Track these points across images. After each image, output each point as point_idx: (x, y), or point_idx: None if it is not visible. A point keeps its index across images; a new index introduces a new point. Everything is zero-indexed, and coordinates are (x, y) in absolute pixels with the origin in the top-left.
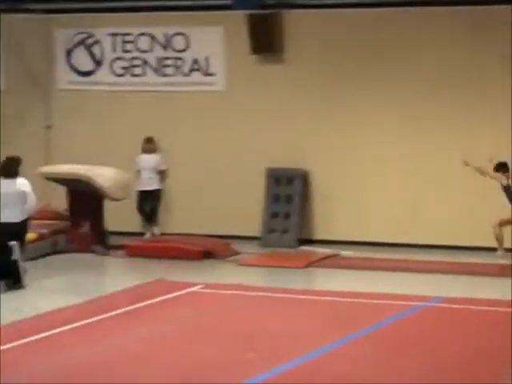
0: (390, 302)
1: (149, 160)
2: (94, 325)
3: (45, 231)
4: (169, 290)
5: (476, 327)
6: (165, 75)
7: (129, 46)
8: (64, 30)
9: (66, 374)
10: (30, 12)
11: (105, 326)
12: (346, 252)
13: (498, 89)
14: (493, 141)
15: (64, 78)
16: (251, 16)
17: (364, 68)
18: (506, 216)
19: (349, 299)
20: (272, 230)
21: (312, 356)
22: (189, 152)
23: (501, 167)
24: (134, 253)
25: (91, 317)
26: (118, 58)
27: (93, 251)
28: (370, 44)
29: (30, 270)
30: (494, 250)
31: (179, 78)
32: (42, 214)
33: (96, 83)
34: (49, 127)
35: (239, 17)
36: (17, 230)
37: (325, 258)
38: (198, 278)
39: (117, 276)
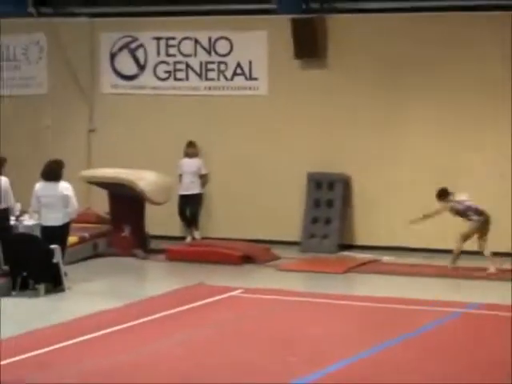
0: (428, 307)
1: (191, 164)
2: (135, 328)
3: (86, 235)
4: (209, 294)
5: None
6: (208, 79)
7: (172, 50)
8: (108, 34)
9: (106, 377)
10: (75, 16)
11: (145, 330)
12: (386, 258)
13: None
14: None
15: (108, 81)
16: (295, 20)
17: (406, 74)
18: (466, 229)
19: (388, 305)
20: (312, 235)
21: (351, 361)
22: (230, 156)
23: (443, 193)
24: (175, 257)
25: (131, 320)
26: (162, 62)
27: (133, 255)
28: (412, 50)
29: (70, 273)
30: None
31: (222, 83)
32: (84, 218)
33: (139, 87)
34: (92, 131)
35: (283, 21)
36: (58, 234)
37: (365, 263)
38: (238, 282)
39: (157, 280)
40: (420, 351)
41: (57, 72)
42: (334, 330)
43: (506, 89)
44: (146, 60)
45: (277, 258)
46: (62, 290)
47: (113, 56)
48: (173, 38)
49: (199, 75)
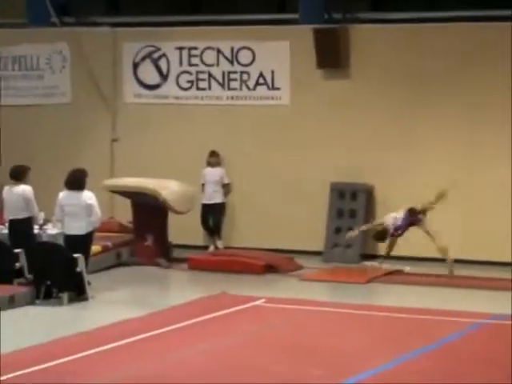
0: (451, 318)
1: (213, 173)
2: (158, 337)
3: (109, 244)
4: (231, 303)
5: None
6: (230, 89)
7: (195, 60)
8: (131, 44)
9: None
10: (98, 26)
11: (168, 339)
12: (409, 268)
13: None
14: None
15: (130, 91)
16: (317, 30)
17: (430, 86)
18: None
19: (410, 315)
20: (335, 245)
21: (374, 372)
22: (253, 166)
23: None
24: (197, 266)
25: (155, 329)
26: (184, 72)
27: (156, 264)
28: (436, 61)
29: (93, 282)
30: None
31: (244, 92)
32: (107, 227)
33: (162, 97)
34: (115, 140)
35: (305, 31)
36: (82, 243)
37: (387, 273)
38: (261, 292)
39: (180, 289)
40: (442, 362)
41: (80, 81)
42: (357, 340)
43: None
44: (168, 70)
45: (300, 267)
46: (86, 298)
47: (135, 65)
48: (195, 48)
49: (221, 85)
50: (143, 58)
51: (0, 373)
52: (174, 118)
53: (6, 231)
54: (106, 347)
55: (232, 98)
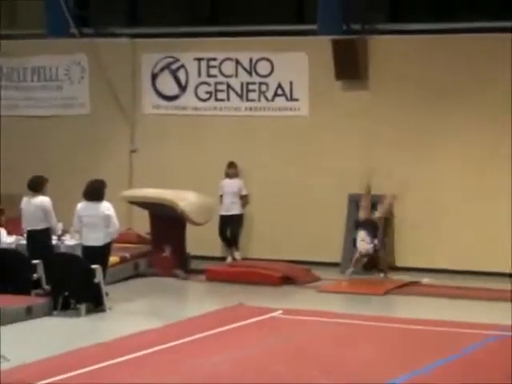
0: (468, 330)
1: (231, 185)
2: (176, 348)
3: (127, 255)
4: (249, 315)
5: None
6: (249, 100)
7: (213, 71)
8: (149, 55)
9: None
10: (116, 37)
11: (185, 351)
12: (427, 279)
13: None
14: None
15: (149, 102)
16: (335, 42)
17: (448, 97)
18: None
19: (427, 327)
20: (353, 257)
21: None
22: (271, 177)
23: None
24: (215, 277)
25: (172, 340)
26: (203, 83)
27: (174, 275)
28: (455, 72)
29: (111, 293)
30: None
31: (263, 103)
32: (125, 238)
33: (180, 108)
34: (134, 151)
35: (324, 42)
36: (100, 254)
37: (404, 285)
38: (278, 303)
39: (197, 300)
40: (459, 375)
41: (98, 92)
42: (374, 352)
43: None
44: (187, 81)
45: (317, 279)
46: (103, 309)
47: (154, 76)
48: (214, 59)
49: (240, 96)
50: (162, 69)
51: None
52: (193, 129)
53: (24, 242)
54: (123, 358)
55: (250, 108)
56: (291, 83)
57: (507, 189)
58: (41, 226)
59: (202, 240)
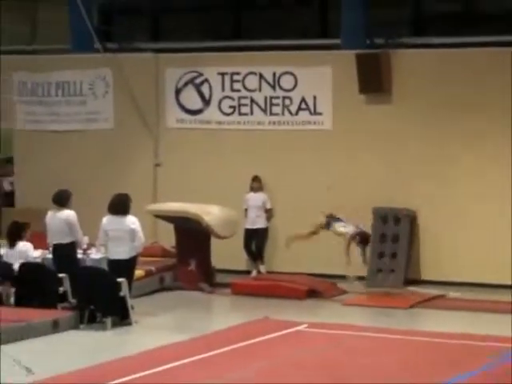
0: (494, 344)
1: (256, 198)
2: (201, 362)
3: (152, 268)
4: (274, 328)
5: None
6: (272, 114)
7: (237, 85)
8: (173, 69)
9: None
10: (140, 51)
11: (211, 364)
12: (452, 293)
13: None
14: None
15: (173, 116)
16: (359, 55)
17: (473, 111)
18: None
19: (453, 341)
20: (378, 270)
21: None
22: (294, 190)
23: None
24: (240, 291)
25: (198, 354)
26: (226, 97)
27: (199, 289)
28: (480, 86)
29: (137, 307)
30: None
31: (287, 117)
32: (150, 251)
33: (204, 122)
34: (158, 165)
35: (347, 56)
36: (125, 267)
37: (430, 298)
38: (303, 317)
39: (222, 314)
40: None
41: (122, 107)
42: (399, 365)
43: None
44: (210, 95)
45: (343, 292)
46: (129, 323)
47: (178, 91)
48: (237, 73)
49: (264, 110)
50: (186, 84)
51: None
52: (216, 143)
53: (49, 256)
54: (148, 372)
55: (274, 123)
56: (315, 97)
57: None
58: (66, 239)
59: (226, 254)
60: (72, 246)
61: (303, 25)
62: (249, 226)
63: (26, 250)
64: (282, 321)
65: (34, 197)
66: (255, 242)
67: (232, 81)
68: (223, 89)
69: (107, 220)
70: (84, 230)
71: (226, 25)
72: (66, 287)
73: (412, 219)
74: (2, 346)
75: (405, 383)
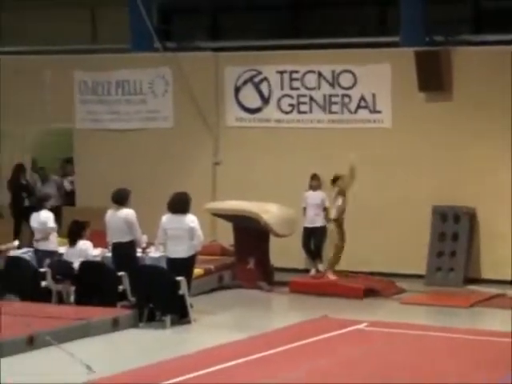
0: None
1: (314, 197)
2: (261, 361)
3: (211, 267)
4: (334, 327)
5: None
6: (331, 112)
7: (296, 84)
8: (232, 68)
9: None
10: (199, 50)
11: (271, 362)
12: None
13: None
14: None
15: (232, 114)
16: (418, 53)
17: None
18: None
19: None
20: (438, 269)
21: None
22: (353, 189)
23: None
24: (298, 289)
25: (257, 353)
26: (286, 95)
27: (258, 287)
28: None
29: (196, 305)
30: None
31: (346, 116)
32: (209, 250)
33: (263, 120)
34: (217, 164)
35: (406, 54)
36: (184, 266)
37: (490, 297)
38: (362, 315)
39: (281, 312)
40: None
41: (182, 105)
42: (460, 364)
43: None
44: (269, 93)
45: (401, 291)
46: (188, 321)
47: (237, 89)
48: (296, 72)
49: (323, 108)
50: (245, 82)
51: None
52: (275, 142)
53: (109, 254)
54: (207, 370)
55: (333, 121)
56: (374, 95)
57: None
58: (126, 238)
59: (285, 252)
60: (131, 245)
61: (362, 22)
62: (307, 225)
63: (86, 249)
64: (342, 319)
65: (94, 196)
66: (314, 240)
67: (291, 79)
68: (282, 87)
69: (166, 219)
70: (143, 228)
71: (285, 23)
72: (125, 285)
73: (471, 217)
74: (63, 345)
75: (467, 382)
